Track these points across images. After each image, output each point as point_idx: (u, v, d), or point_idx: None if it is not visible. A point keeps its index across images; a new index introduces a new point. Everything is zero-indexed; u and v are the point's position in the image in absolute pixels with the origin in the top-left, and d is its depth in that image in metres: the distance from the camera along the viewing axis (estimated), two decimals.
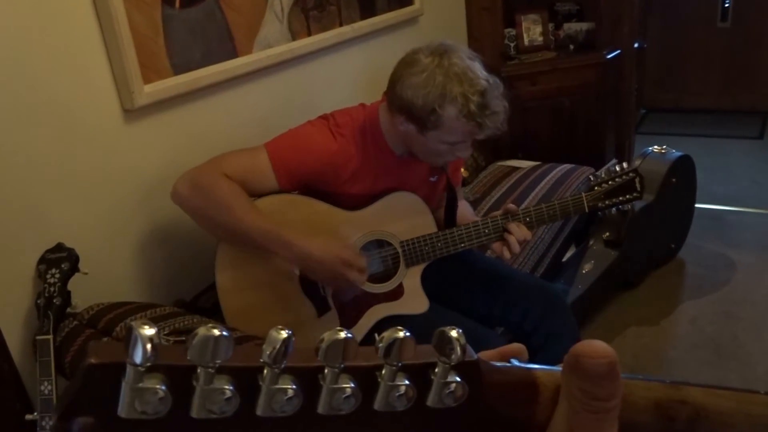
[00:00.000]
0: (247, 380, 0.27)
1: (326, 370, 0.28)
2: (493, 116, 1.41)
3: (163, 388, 0.25)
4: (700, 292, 2.66)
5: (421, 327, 1.44)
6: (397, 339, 0.28)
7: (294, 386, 0.27)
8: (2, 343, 1.37)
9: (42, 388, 1.32)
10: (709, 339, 2.39)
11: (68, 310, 1.41)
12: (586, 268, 2.45)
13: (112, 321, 1.37)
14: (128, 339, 0.25)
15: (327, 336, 0.27)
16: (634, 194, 1.62)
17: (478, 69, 1.42)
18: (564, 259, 2.50)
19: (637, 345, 2.39)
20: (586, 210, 1.61)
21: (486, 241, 1.58)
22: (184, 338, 1.28)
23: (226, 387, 0.26)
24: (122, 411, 0.25)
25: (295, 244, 1.41)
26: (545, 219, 1.59)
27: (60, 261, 1.40)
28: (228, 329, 0.25)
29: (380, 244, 1.57)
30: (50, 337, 1.34)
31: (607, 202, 1.62)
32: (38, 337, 1.34)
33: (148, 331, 0.25)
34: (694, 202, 2.88)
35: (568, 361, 0.31)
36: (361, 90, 2.27)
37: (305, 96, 2.13)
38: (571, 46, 3.21)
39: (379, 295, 1.56)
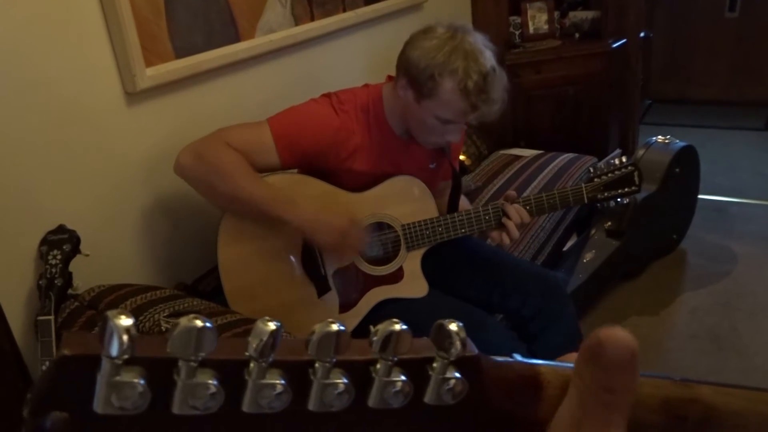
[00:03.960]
0: (232, 374, 0.25)
1: (317, 365, 0.26)
2: (489, 102, 1.42)
3: (142, 382, 0.24)
4: (700, 283, 2.66)
5: (420, 311, 1.45)
6: (393, 332, 0.27)
7: (283, 381, 0.26)
8: (4, 323, 1.38)
9: (43, 368, 1.33)
10: (708, 330, 2.39)
11: (69, 291, 1.42)
12: (587, 257, 2.45)
13: (113, 302, 1.38)
14: (103, 330, 0.23)
15: (318, 328, 0.26)
16: (633, 188, 1.63)
17: (489, 56, 1.43)
18: (565, 248, 2.50)
19: (637, 335, 2.29)
20: (585, 201, 1.62)
21: (486, 227, 1.58)
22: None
23: (210, 382, 0.25)
24: (98, 406, 0.24)
25: (302, 206, 1.43)
26: (545, 208, 1.59)
27: (61, 242, 1.41)
28: (211, 320, 0.24)
29: (382, 226, 1.58)
30: (51, 317, 1.35)
31: (606, 194, 1.62)
32: (39, 318, 1.35)
33: (125, 321, 0.23)
34: (697, 193, 2.87)
35: (588, 346, 0.29)
36: (365, 76, 2.26)
37: (308, 82, 2.12)
38: (577, 35, 3.19)
39: (378, 278, 1.57)
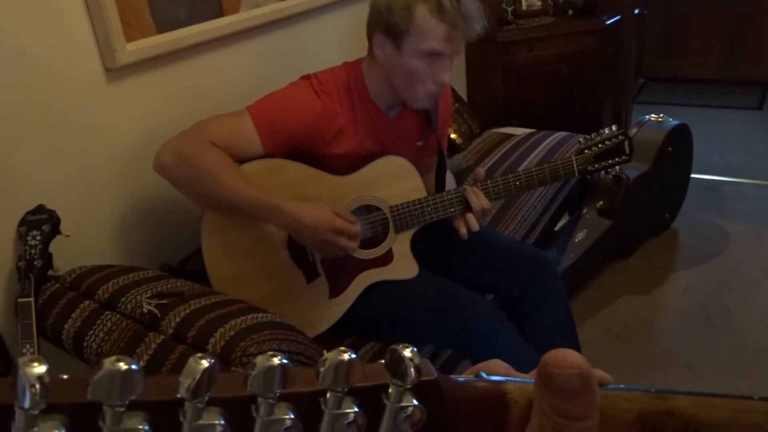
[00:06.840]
0: (165, 417, 0.23)
1: (260, 400, 0.25)
2: (468, 19, 1.39)
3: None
4: (693, 262, 2.65)
5: (411, 292, 1.42)
6: (342, 362, 0.25)
7: (222, 421, 0.24)
8: None
9: (24, 351, 1.31)
10: (700, 309, 2.39)
11: (50, 272, 1.39)
12: (579, 236, 2.43)
13: (95, 284, 1.35)
14: (14, 379, 0.21)
15: (259, 361, 0.24)
16: (623, 157, 1.61)
17: None
18: (556, 228, 2.48)
19: (629, 314, 2.39)
20: (576, 173, 1.59)
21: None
22: (165, 302, 1.27)
23: (140, 427, 0.23)
24: None
25: (285, 211, 1.38)
26: (535, 182, 1.57)
27: (41, 223, 1.38)
28: (137, 363, 0.22)
29: (369, 209, 1.55)
30: (31, 299, 1.33)
31: (596, 165, 1.60)
32: (19, 300, 1.33)
33: (38, 369, 0.21)
34: (690, 172, 2.85)
35: (538, 370, 0.28)
36: (353, 52, 2.21)
37: (295, 58, 2.08)
38: (570, 12, 3.14)
39: (368, 261, 1.55)
